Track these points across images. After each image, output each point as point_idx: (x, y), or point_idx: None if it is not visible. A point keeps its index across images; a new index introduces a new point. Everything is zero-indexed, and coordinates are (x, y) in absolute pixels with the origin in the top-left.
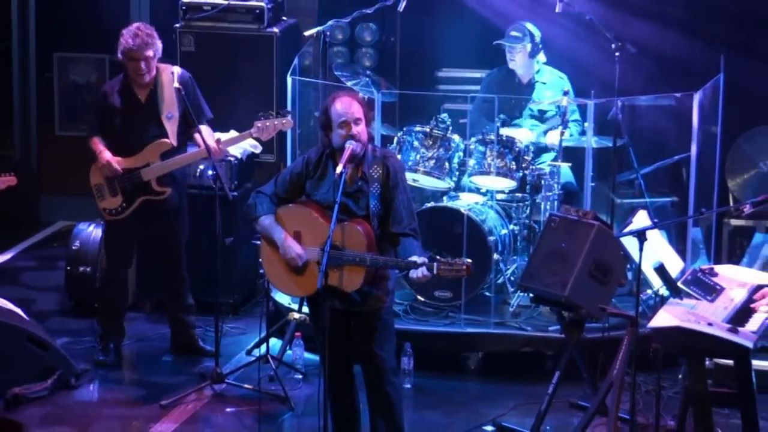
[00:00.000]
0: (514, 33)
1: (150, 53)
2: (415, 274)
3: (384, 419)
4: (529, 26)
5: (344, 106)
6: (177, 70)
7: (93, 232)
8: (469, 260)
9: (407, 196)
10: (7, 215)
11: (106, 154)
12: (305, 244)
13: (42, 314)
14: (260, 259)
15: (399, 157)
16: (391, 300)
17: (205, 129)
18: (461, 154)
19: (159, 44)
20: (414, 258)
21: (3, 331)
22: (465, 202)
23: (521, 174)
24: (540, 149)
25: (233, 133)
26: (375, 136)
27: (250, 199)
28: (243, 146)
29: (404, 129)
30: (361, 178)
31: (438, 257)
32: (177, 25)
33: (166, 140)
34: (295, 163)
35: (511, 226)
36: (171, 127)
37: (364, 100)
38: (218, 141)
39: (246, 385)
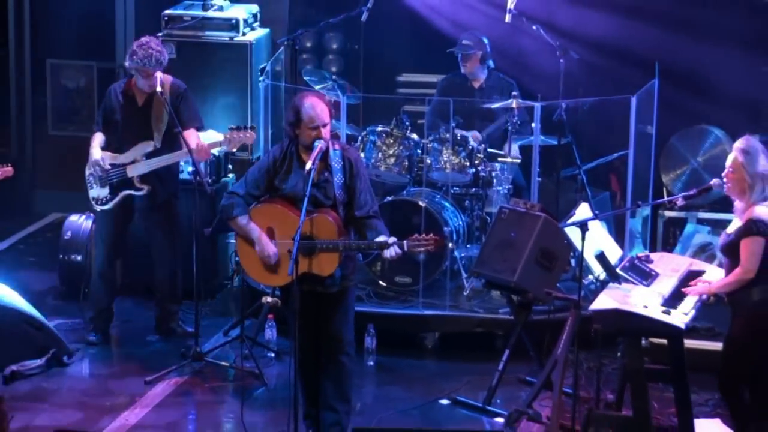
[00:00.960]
0: (466, 42)
1: (160, 70)
2: (388, 253)
3: (333, 383)
4: (480, 35)
5: (316, 112)
6: (168, 79)
7: (83, 223)
8: (436, 237)
9: (367, 183)
10: (4, 207)
11: (96, 151)
12: (279, 238)
13: (37, 298)
14: (236, 253)
15: (362, 154)
16: (354, 279)
17: (191, 132)
18: (419, 151)
19: (166, 58)
20: (383, 238)
21: (1, 314)
22: (423, 195)
23: (474, 170)
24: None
25: (211, 132)
26: (340, 134)
27: (224, 200)
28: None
29: (367, 129)
30: (327, 170)
31: (417, 236)
32: (160, 34)
33: (151, 141)
34: (261, 161)
35: (465, 218)
36: (159, 130)
37: (330, 102)
38: (203, 145)
39: (223, 363)
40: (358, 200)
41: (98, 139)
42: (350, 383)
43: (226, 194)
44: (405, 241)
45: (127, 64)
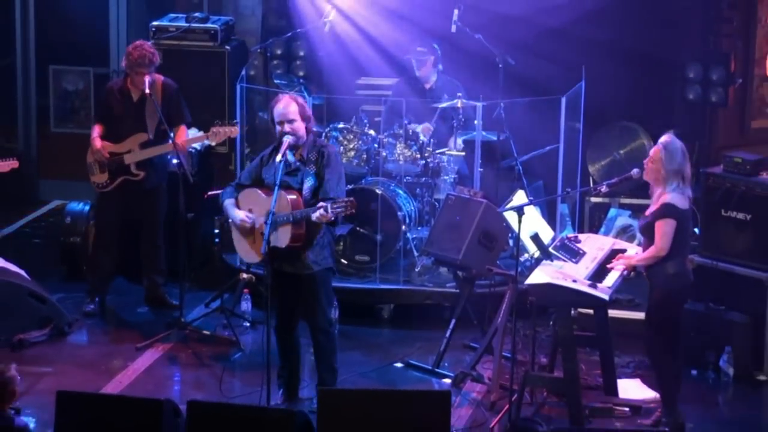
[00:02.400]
0: (420, 49)
1: (152, 70)
2: (314, 215)
3: (318, 357)
4: (432, 42)
5: (279, 109)
6: (160, 79)
7: (82, 209)
8: (352, 198)
9: (338, 175)
10: (11, 195)
11: (98, 142)
12: (256, 215)
13: (40, 275)
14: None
15: None
16: (328, 264)
17: (182, 128)
18: (376, 145)
19: (158, 60)
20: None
21: (8, 288)
22: (379, 184)
23: (424, 161)
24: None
25: (194, 131)
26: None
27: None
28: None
29: (330, 126)
30: (300, 161)
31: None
32: (149, 42)
33: (145, 133)
34: (255, 159)
35: (417, 204)
36: (152, 124)
37: (304, 103)
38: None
39: (205, 331)
40: (324, 188)
41: (98, 130)
42: (332, 355)
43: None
44: (328, 203)
45: (123, 64)
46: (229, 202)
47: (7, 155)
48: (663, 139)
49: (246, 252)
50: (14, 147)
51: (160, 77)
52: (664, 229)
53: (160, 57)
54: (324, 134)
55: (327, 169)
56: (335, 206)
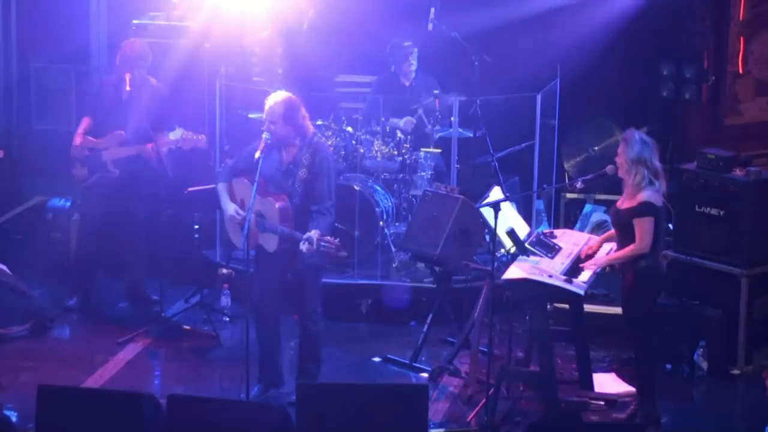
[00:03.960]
0: (407, 43)
1: (145, 68)
2: (301, 244)
3: (304, 345)
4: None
5: (265, 108)
6: (153, 81)
7: (63, 205)
8: (338, 240)
9: (329, 182)
10: None
11: (79, 138)
12: (247, 208)
13: (22, 270)
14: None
15: None
16: (318, 261)
17: (164, 136)
18: (354, 142)
19: (150, 58)
20: (309, 234)
21: None
22: (357, 180)
23: (401, 158)
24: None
25: (176, 129)
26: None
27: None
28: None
29: None
30: (292, 162)
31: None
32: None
33: (122, 132)
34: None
35: (394, 199)
36: (133, 123)
37: (295, 106)
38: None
39: (185, 326)
40: (314, 195)
41: (84, 124)
42: (317, 345)
43: (224, 164)
44: (316, 239)
45: (117, 62)
46: (222, 188)
47: None
48: (623, 134)
49: (237, 238)
50: None
51: (153, 79)
52: (645, 227)
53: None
54: None
55: (318, 176)
56: (322, 242)
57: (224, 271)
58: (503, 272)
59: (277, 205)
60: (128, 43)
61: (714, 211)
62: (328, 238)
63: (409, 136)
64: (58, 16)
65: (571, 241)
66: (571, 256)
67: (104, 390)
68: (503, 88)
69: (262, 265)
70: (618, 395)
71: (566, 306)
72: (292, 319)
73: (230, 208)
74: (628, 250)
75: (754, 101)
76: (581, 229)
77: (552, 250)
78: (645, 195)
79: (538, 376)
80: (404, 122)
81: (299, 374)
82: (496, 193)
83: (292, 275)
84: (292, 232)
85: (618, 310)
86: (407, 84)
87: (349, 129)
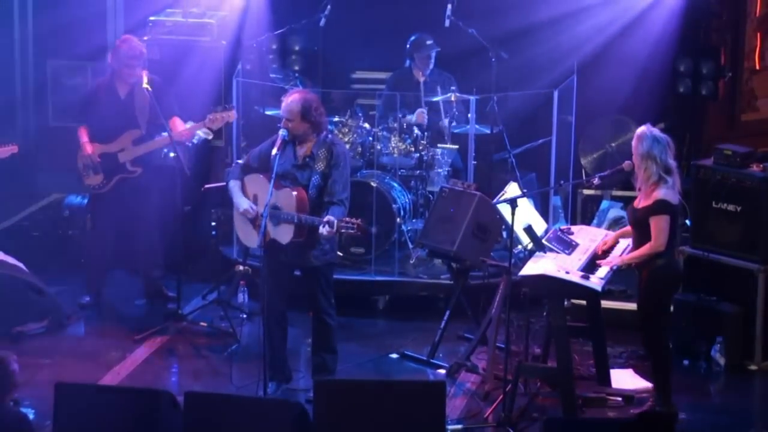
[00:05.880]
0: (429, 42)
1: (142, 64)
2: (323, 229)
3: (320, 338)
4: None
5: (283, 105)
6: (146, 74)
7: (80, 202)
8: (359, 220)
9: (344, 175)
10: (11, 188)
11: (88, 147)
12: (260, 203)
13: (38, 268)
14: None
15: None
16: (329, 258)
17: (176, 120)
18: (371, 139)
19: (145, 54)
20: (327, 217)
21: (8, 281)
22: (374, 177)
23: (418, 154)
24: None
25: (191, 124)
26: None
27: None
28: (198, 134)
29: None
30: (309, 156)
31: (347, 219)
32: (146, 37)
33: (138, 130)
34: (267, 141)
35: (411, 196)
36: (143, 119)
37: (313, 104)
38: (185, 129)
39: (202, 323)
40: (329, 188)
41: (86, 134)
42: (333, 337)
43: (234, 163)
44: (335, 221)
45: (110, 59)
46: (234, 184)
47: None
48: (636, 131)
49: (246, 236)
50: (13, 141)
51: (145, 72)
52: (661, 226)
53: (158, 52)
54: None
55: (335, 169)
56: (343, 224)
57: (241, 268)
58: (520, 268)
59: (294, 193)
60: (123, 41)
61: (731, 207)
62: (348, 219)
63: (426, 132)
64: (75, 13)
65: (588, 237)
66: (588, 253)
67: (121, 387)
68: (521, 84)
69: (273, 261)
70: (635, 391)
71: (583, 302)
72: (307, 317)
73: (244, 203)
74: (644, 249)
75: None
76: (598, 225)
77: (569, 247)
78: (661, 193)
79: (556, 373)
80: (416, 115)
81: (316, 368)
82: (513, 190)
83: (304, 273)
84: (312, 218)
85: (635, 306)
86: (422, 80)
87: (366, 125)
